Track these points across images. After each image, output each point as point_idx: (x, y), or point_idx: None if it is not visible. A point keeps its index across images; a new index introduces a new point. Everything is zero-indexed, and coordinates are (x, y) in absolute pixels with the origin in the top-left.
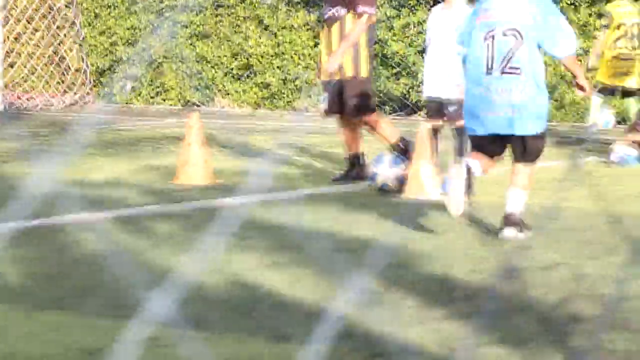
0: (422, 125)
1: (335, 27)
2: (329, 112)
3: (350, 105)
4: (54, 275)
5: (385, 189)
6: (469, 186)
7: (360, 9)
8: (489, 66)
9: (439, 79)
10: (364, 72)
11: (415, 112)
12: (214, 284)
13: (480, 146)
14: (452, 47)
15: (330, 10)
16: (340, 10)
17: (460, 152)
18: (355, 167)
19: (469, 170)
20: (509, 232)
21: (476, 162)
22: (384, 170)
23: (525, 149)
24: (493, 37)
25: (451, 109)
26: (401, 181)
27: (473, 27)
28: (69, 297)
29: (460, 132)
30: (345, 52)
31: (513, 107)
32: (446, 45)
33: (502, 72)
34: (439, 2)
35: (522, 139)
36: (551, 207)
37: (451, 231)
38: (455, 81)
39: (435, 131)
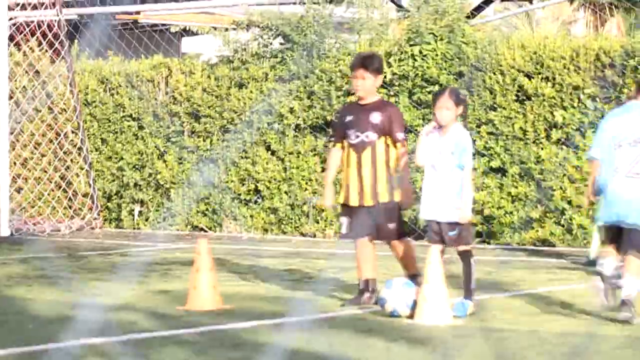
0: (432, 249)
1: (366, 153)
2: (352, 236)
3: (389, 229)
4: None
5: (396, 315)
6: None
7: (400, 136)
8: (619, 169)
9: (436, 202)
10: (397, 197)
11: (422, 237)
12: None
13: (611, 238)
14: (450, 171)
15: (359, 136)
16: (371, 136)
17: (468, 277)
18: (365, 293)
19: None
20: (625, 314)
21: (608, 259)
22: (394, 295)
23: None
24: (621, 145)
25: (451, 233)
26: (412, 307)
27: (606, 136)
28: None
29: (465, 256)
30: (405, 182)
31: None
32: (444, 168)
33: (627, 176)
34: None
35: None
36: (561, 332)
37: (462, 356)
38: (454, 204)
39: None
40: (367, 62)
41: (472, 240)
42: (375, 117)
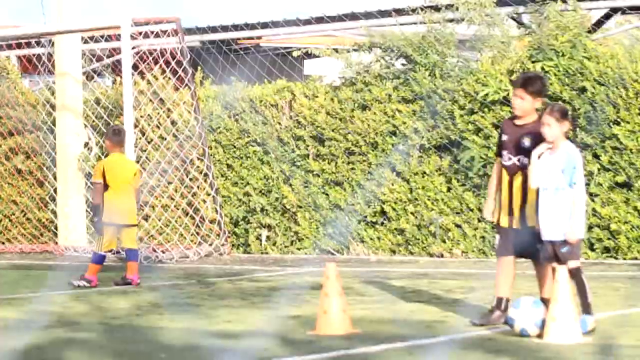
0: (559, 268)
1: (517, 176)
2: (504, 254)
3: (540, 250)
4: None
5: (525, 335)
6: None
7: None
8: None
9: (549, 221)
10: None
11: None
12: None
13: None
14: (560, 189)
15: (511, 158)
16: (523, 160)
17: (584, 292)
18: (496, 311)
19: None
20: None
21: None
22: (523, 314)
23: None
24: None
25: (563, 250)
26: (540, 326)
27: None
28: None
29: (576, 272)
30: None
31: None
32: (553, 187)
33: None
34: None
35: None
36: None
37: None
38: (565, 223)
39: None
40: (528, 82)
41: (580, 256)
42: (527, 142)
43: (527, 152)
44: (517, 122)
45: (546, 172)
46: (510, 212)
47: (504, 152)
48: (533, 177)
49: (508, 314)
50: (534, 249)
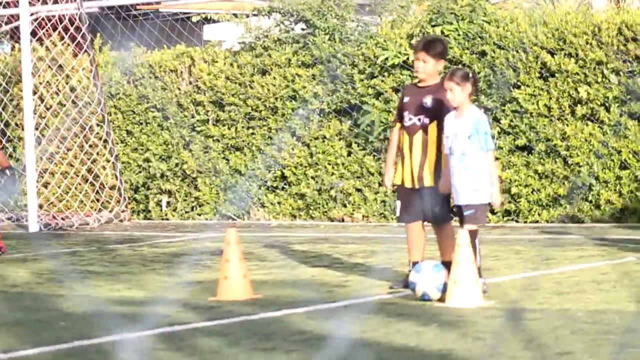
0: (460, 231)
1: (417, 136)
2: (409, 221)
3: (435, 212)
4: None
5: (426, 299)
6: None
7: None
8: None
9: (455, 185)
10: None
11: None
12: None
13: None
14: (467, 154)
15: (412, 119)
16: (424, 119)
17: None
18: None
19: None
20: None
21: None
22: (424, 278)
23: None
24: None
25: (467, 212)
26: (442, 290)
27: None
28: None
29: (471, 235)
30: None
31: None
32: (460, 152)
33: None
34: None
35: None
36: (592, 310)
37: (494, 338)
38: (471, 187)
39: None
40: (430, 45)
41: (485, 222)
42: (429, 101)
43: (427, 112)
44: (420, 84)
45: (452, 136)
46: (410, 173)
47: (405, 114)
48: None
49: (409, 278)
50: (431, 211)
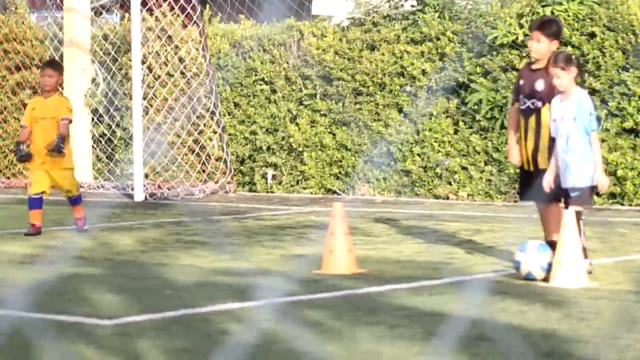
0: (567, 212)
1: (532, 120)
2: (525, 198)
3: (544, 193)
4: None
5: (531, 278)
6: None
7: None
8: None
9: (561, 168)
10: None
11: None
12: None
13: None
14: (572, 138)
15: (526, 102)
16: (537, 103)
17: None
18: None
19: None
20: None
21: None
22: (529, 258)
23: None
24: None
25: (573, 194)
26: (546, 270)
27: None
28: None
29: (578, 216)
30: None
31: None
32: (566, 135)
33: None
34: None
35: None
36: None
37: (598, 319)
38: (578, 169)
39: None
40: (545, 25)
41: (590, 204)
42: (541, 85)
43: (540, 96)
44: (533, 66)
45: (558, 119)
46: (526, 155)
47: (521, 97)
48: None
49: (514, 257)
50: (541, 192)
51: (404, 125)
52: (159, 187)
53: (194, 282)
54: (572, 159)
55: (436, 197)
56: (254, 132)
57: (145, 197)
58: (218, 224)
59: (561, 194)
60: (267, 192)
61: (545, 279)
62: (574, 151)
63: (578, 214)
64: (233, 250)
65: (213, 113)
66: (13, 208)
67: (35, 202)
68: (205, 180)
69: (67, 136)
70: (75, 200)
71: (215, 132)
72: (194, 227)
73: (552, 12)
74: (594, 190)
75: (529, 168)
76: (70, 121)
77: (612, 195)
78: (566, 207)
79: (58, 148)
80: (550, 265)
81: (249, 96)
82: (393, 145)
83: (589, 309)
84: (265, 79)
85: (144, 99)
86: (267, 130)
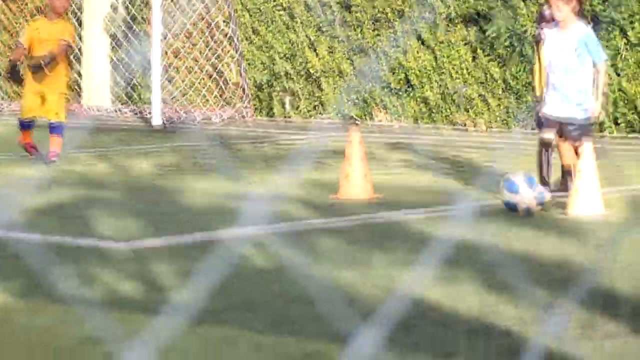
0: (585, 144)
1: None
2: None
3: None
4: (216, 289)
5: (531, 213)
6: None
7: None
8: None
9: (559, 100)
10: None
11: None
12: (377, 298)
13: None
14: (571, 69)
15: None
16: None
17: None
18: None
19: None
20: None
21: None
22: (523, 196)
23: None
24: None
25: (570, 128)
26: (542, 199)
27: None
28: (231, 312)
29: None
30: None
31: None
32: (564, 67)
33: None
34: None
35: None
36: None
37: (613, 246)
38: (577, 102)
39: (548, 147)
40: None
41: (591, 137)
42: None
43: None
44: None
45: (557, 50)
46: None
47: (538, 29)
48: (544, 56)
49: (505, 199)
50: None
51: (422, 53)
52: (177, 111)
53: (210, 207)
54: (570, 91)
55: (453, 124)
56: (272, 58)
57: (163, 122)
58: (235, 149)
59: (554, 125)
60: (285, 117)
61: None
62: (572, 84)
63: (546, 145)
64: (249, 175)
65: (231, 39)
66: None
67: (26, 125)
68: (222, 105)
69: (63, 60)
70: (55, 129)
71: (233, 58)
72: (211, 152)
73: None
74: (591, 124)
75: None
76: (70, 46)
77: (630, 125)
78: (561, 138)
79: (42, 64)
80: (543, 194)
81: (268, 22)
82: (411, 72)
83: (606, 237)
84: (284, 5)
85: (162, 24)
86: (285, 56)
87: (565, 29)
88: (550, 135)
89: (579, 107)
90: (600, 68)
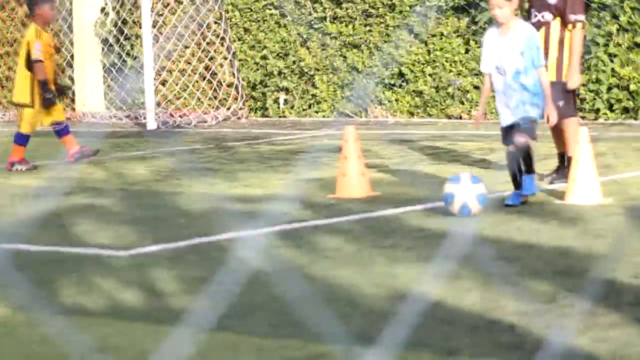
0: (582, 130)
1: (541, 33)
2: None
3: (558, 107)
4: (217, 293)
5: (466, 212)
6: None
7: (573, 17)
8: None
9: (509, 106)
10: (564, 77)
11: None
12: (378, 297)
13: None
14: (522, 72)
15: (536, 15)
16: (547, 16)
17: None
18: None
19: None
20: None
21: None
22: (464, 189)
23: None
24: None
25: (523, 125)
26: (482, 202)
27: None
28: (233, 316)
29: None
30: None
31: None
32: (514, 71)
33: None
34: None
35: None
36: None
37: (614, 235)
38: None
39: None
40: None
41: (535, 138)
42: None
43: (549, 8)
44: None
45: (500, 55)
46: None
47: (532, 11)
48: (482, 61)
49: (445, 190)
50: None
51: (414, 46)
52: (171, 115)
53: (208, 210)
54: (524, 95)
55: (449, 117)
56: (264, 57)
57: (158, 126)
58: (231, 150)
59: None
60: (280, 116)
61: (477, 213)
62: (525, 86)
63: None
64: (246, 176)
65: (223, 39)
66: (33, 141)
67: (25, 139)
68: (217, 106)
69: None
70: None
71: (226, 58)
72: (207, 154)
73: None
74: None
75: None
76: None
77: (626, 110)
78: (508, 139)
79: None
80: (484, 196)
81: (259, 21)
82: (404, 66)
83: (605, 225)
84: (275, 3)
85: (154, 27)
86: (277, 54)
87: (507, 29)
88: (511, 148)
89: (533, 106)
90: (539, 73)
